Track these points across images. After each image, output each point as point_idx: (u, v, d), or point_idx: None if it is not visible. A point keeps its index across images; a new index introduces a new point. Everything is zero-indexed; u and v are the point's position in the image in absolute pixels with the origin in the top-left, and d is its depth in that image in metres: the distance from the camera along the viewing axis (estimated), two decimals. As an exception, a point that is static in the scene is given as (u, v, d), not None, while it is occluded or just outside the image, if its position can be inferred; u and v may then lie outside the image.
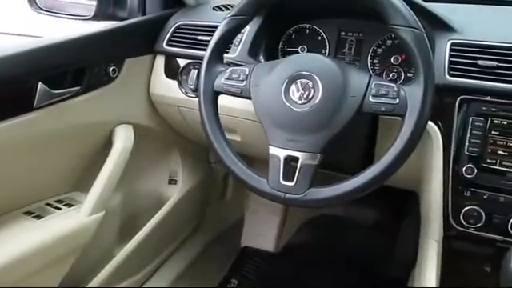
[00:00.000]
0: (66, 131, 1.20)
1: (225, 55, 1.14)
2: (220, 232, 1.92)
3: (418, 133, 0.86)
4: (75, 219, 1.21)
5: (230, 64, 1.08)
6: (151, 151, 1.55)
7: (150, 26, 1.37)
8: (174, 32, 1.35)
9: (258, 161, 1.21)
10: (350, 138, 1.10)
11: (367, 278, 1.85)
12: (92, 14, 1.32)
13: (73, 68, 1.16)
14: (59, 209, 1.23)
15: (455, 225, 1.03)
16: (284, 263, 1.93)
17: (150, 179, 1.57)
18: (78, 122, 1.22)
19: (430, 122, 1.02)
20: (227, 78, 1.00)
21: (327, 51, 1.23)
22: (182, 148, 1.62)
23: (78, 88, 1.18)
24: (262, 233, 1.99)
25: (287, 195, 0.92)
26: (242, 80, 0.99)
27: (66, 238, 1.17)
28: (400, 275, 1.63)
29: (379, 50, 1.17)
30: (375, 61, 1.18)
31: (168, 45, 1.34)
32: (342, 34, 1.22)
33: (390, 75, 1.16)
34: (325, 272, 1.87)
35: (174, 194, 1.60)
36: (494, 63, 0.98)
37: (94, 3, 1.32)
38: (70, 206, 1.26)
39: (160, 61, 1.37)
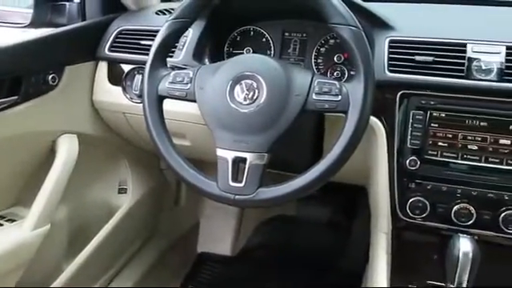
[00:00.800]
0: (4, 143, 1.14)
1: (169, 59, 1.13)
2: (175, 239, 1.89)
3: (361, 128, 0.88)
4: (17, 235, 1.16)
5: (174, 68, 1.07)
6: (98, 160, 1.50)
7: (90, 31, 1.33)
8: (116, 37, 1.32)
9: (210, 165, 1.21)
10: (297, 137, 1.11)
11: (324, 274, 1.88)
12: (29, 21, 1.28)
13: (8, 77, 1.11)
14: (0, 225, 1.18)
15: (402, 216, 1.06)
16: (241, 266, 1.93)
17: (99, 189, 1.53)
18: (18, 132, 1.17)
19: (373, 118, 1.05)
20: (171, 82, 0.99)
21: (272, 52, 1.24)
22: (131, 155, 1.58)
23: (16, 98, 1.13)
24: (218, 237, 1.98)
25: (237, 196, 0.92)
26: (187, 83, 0.98)
27: (8, 255, 1.12)
28: (355, 269, 1.66)
29: (322, 50, 1.19)
30: (319, 60, 1.20)
31: (110, 50, 1.31)
32: (286, 34, 1.23)
33: (334, 74, 1.18)
34: (282, 272, 1.88)
35: (125, 203, 1.56)
36: (431, 58, 1.01)
37: (31, 10, 1.27)
38: (12, 221, 1.20)
39: (103, 67, 1.33)
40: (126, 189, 1.59)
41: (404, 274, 1.14)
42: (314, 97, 0.90)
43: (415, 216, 1.05)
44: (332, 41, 1.18)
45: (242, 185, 0.91)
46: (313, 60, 1.20)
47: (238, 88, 0.93)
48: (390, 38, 1.06)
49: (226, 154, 0.92)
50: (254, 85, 0.92)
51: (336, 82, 0.90)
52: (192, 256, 1.97)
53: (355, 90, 0.88)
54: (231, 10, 1.20)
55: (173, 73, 1.00)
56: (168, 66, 1.06)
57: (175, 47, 1.17)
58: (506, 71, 0.97)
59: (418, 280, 1.13)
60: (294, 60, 1.22)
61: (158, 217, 1.81)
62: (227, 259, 1.96)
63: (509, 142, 0.98)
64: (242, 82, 0.93)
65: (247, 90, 0.92)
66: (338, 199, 2.01)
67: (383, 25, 1.08)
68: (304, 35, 1.22)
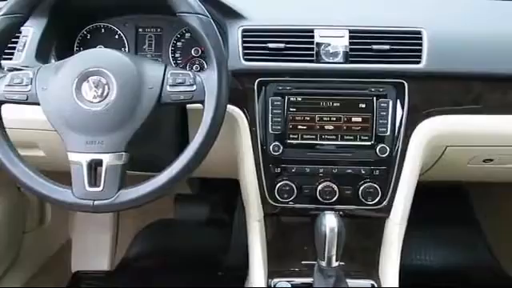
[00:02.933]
0: None
1: (8, 62, 1.02)
2: (45, 261, 1.73)
3: (220, 115, 0.87)
4: None
5: (12, 70, 0.96)
6: None
7: None
8: None
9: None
10: (160, 133, 1.08)
11: (210, 272, 1.86)
12: None
13: None
14: None
15: (272, 202, 1.08)
16: (121, 279, 1.83)
17: None
18: None
19: (235, 108, 1.05)
20: (8, 85, 0.89)
21: (127, 49, 1.18)
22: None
23: None
24: (94, 253, 1.86)
25: (96, 202, 0.85)
26: (27, 85, 0.88)
27: None
28: (240, 263, 1.67)
29: (179, 44, 1.17)
30: (177, 54, 1.17)
31: None
32: (140, 30, 1.18)
33: (194, 67, 1.16)
34: (166, 278, 1.82)
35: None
36: (282, 45, 1.04)
37: None
38: None
39: None
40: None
41: (281, 259, 1.16)
42: (169, 89, 0.87)
43: (284, 200, 1.07)
44: (188, 34, 1.16)
45: (100, 189, 0.85)
46: (170, 55, 1.17)
47: (85, 85, 0.87)
48: (242, 27, 1.06)
49: (80, 158, 0.85)
50: (103, 81, 0.86)
51: (190, 72, 0.88)
52: (66, 276, 1.82)
53: (209, 79, 0.87)
54: (74, 6, 1.12)
55: (9, 74, 0.90)
56: (6, 68, 0.95)
57: (11, 48, 1.05)
58: (351, 53, 1.04)
59: (293, 262, 1.16)
60: (151, 56, 1.18)
61: (22, 239, 1.64)
62: (105, 274, 1.84)
63: (360, 120, 1.05)
64: (89, 78, 0.87)
65: (96, 86, 0.86)
66: (215, 196, 2.00)
67: (235, 14, 1.08)
68: (159, 30, 1.18)
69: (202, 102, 0.87)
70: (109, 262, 1.87)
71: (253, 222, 1.13)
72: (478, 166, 1.18)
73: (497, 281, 1.88)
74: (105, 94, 0.86)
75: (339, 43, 1.04)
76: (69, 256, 1.86)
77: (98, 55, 0.91)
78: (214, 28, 0.89)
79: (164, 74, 0.88)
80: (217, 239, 1.99)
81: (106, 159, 0.85)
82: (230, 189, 1.81)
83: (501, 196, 1.95)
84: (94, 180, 0.86)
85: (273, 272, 1.14)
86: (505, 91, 1.06)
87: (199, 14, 0.88)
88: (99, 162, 0.85)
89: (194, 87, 0.87)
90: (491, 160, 1.16)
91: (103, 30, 1.18)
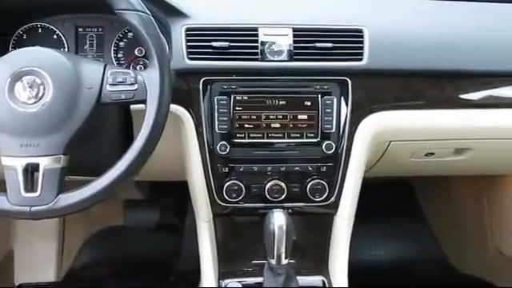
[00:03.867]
0: None
1: None
2: (-16, 275, 1.64)
3: (162, 116, 0.86)
4: None
5: None
6: None
7: None
8: None
9: None
10: (101, 134, 1.04)
11: (162, 278, 1.82)
12: None
13: None
14: None
15: (220, 202, 1.07)
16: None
17: None
18: None
19: (180, 108, 1.04)
20: None
21: (66, 49, 1.14)
22: None
23: None
24: (38, 264, 1.78)
25: (33, 208, 0.81)
26: None
27: None
28: (192, 267, 1.65)
29: (122, 44, 1.14)
30: (119, 55, 1.14)
31: None
32: (80, 30, 1.14)
33: (138, 68, 1.14)
34: (118, 286, 1.77)
35: None
36: (227, 44, 1.03)
37: None
38: None
39: None
40: None
41: (232, 259, 1.16)
42: (109, 88, 0.85)
43: (233, 200, 1.06)
44: (131, 34, 1.13)
45: (37, 194, 0.81)
46: (112, 55, 1.13)
47: (18, 86, 0.82)
48: (186, 25, 1.05)
49: (14, 162, 0.81)
50: (38, 81, 0.83)
51: (130, 71, 0.86)
52: (8, 291, 1.73)
53: (151, 77, 0.85)
54: (4, 5, 1.06)
55: None
56: None
57: None
58: (295, 51, 1.04)
59: (244, 262, 1.15)
60: (93, 56, 1.14)
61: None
62: (51, 286, 1.76)
63: (306, 117, 1.05)
64: (23, 78, 0.82)
65: (30, 87, 0.82)
66: (166, 200, 1.96)
67: (178, 13, 1.06)
68: (100, 30, 1.14)
69: (144, 102, 0.85)
70: (55, 273, 1.80)
71: (202, 223, 1.11)
72: (421, 160, 1.22)
73: (443, 272, 1.95)
74: (40, 94, 0.82)
75: (283, 42, 1.05)
76: (11, 268, 1.77)
77: (32, 54, 0.87)
78: (155, 26, 0.87)
79: (103, 74, 0.85)
80: (168, 244, 1.95)
81: (43, 163, 0.81)
82: (181, 192, 1.79)
83: (444, 189, 2.03)
84: (30, 185, 0.82)
85: (224, 273, 1.13)
86: (442, 87, 1.10)
87: (139, 11, 0.86)
88: (36, 166, 0.81)
89: (136, 86, 0.85)
90: (432, 154, 1.20)
91: (40, 30, 1.13)
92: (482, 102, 1.12)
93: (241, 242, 1.17)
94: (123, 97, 0.85)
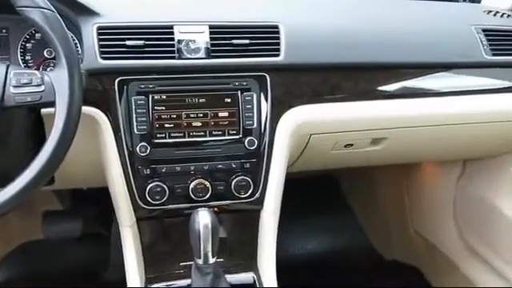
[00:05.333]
0: None
1: None
2: None
3: (73, 118, 0.82)
4: None
5: None
6: None
7: None
8: None
9: None
10: (8, 140, 0.97)
11: None
12: None
13: None
14: None
15: (144, 205, 1.04)
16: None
17: None
18: None
19: (95, 110, 1.00)
20: None
21: None
22: None
23: None
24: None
25: None
26: None
27: None
28: (122, 276, 1.59)
29: (29, 45, 1.07)
30: (27, 57, 1.07)
31: None
32: None
33: (48, 70, 1.07)
34: None
35: None
36: (141, 42, 1.01)
37: None
38: None
39: None
40: None
41: (159, 263, 1.13)
42: (12, 90, 0.79)
43: (156, 202, 1.04)
44: (38, 35, 1.07)
45: None
46: (19, 57, 1.06)
47: None
48: (97, 24, 1.01)
49: None
50: None
51: (36, 72, 0.82)
52: None
53: (59, 77, 0.81)
54: None
55: None
56: None
57: None
58: (212, 48, 1.04)
59: (172, 265, 1.13)
60: None
61: None
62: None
63: (226, 114, 1.05)
64: None
65: None
66: (90, 209, 1.88)
67: (88, 11, 1.02)
68: (4, 31, 1.07)
69: (53, 104, 0.80)
70: None
71: (125, 228, 1.07)
72: (341, 152, 1.26)
73: (370, 260, 2.03)
74: None
75: (200, 39, 1.04)
76: None
77: None
78: (61, 23, 0.83)
79: (6, 75, 0.80)
80: (95, 254, 1.87)
81: None
82: (106, 198, 1.72)
83: (367, 180, 2.11)
84: None
85: (150, 278, 1.10)
86: (358, 80, 1.14)
87: (42, 8, 0.81)
88: None
89: (43, 87, 0.80)
90: (351, 145, 1.24)
91: None
92: (395, 92, 1.17)
93: (168, 244, 1.14)
94: (29, 99, 0.80)
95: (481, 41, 1.21)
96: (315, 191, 2.14)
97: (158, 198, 1.03)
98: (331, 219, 2.15)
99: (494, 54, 1.21)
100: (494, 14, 1.32)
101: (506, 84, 1.24)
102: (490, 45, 1.21)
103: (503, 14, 1.33)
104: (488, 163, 1.56)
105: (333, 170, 2.21)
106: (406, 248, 1.98)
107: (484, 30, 1.23)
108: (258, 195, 1.09)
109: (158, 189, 1.03)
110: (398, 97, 1.17)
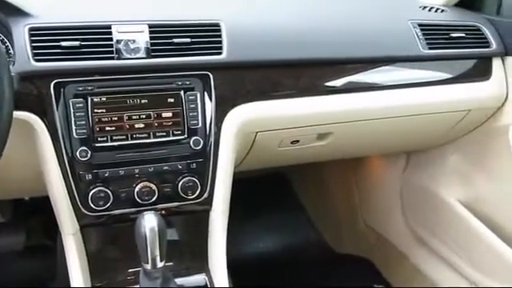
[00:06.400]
0: None
1: None
2: None
3: (4, 124, 0.78)
4: None
5: None
6: None
7: None
8: None
9: None
10: None
11: None
12: None
13: None
14: None
15: (87, 212, 1.00)
16: None
17: None
18: None
19: (30, 115, 0.95)
20: None
21: None
22: None
23: None
24: None
25: None
26: None
27: None
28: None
29: None
30: None
31: None
32: None
33: None
34: None
35: None
36: (77, 43, 0.97)
37: None
38: None
39: None
40: None
41: (106, 271, 1.09)
42: None
43: (100, 208, 1.00)
44: None
45: None
46: None
47: None
48: (29, 25, 0.96)
49: None
50: None
51: None
52: None
53: None
54: None
55: None
56: None
57: None
58: (152, 48, 1.02)
59: (120, 272, 1.09)
60: None
61: None
62: None
63: (170, 115, 1.03)
64: None
65: None
66: (33, 220, 1.80)
67: (19, 12, 0.97)
68: None
69: None
70: None
71: (68, 236, 1.03)
72: (288, 149, 1.27)
73: (323, 255, 2.06)
74: None
75: (140, 38, 1.01)
76: None
77: None
78: None
79: None
80: (41, 267, 1.79)
81: None
82: (50, 208, 1.66)
83: (317, 176, 2.14)
84: None
85: (96, 287, 1.06)
86: (301, 76, 1.15)
87: None
88: None
89: None
90: (298, 141, 1.25)
91: None
92: (338, 88, 1.19)
93: (115, 251, 1.11)
94: None
95: (417, 35, 1.25)
96: (266, 190, 2.15)
97: (101, 203, 0.99)
98: (283, 217, 2.16)
99: (430, 48, 1.25)
100: (429, 9, 1.37)
101: (442, 76, 1.29)
102: (426, 39, 1.26)
103: (437, 9, 1.38)
104: (430, 154, 1.62)
105: (284, 168, 2.23)
106: (357, 241, 2.03)
107: (420, 25, 1.27)
108: (206, 195, 1.07)
109: (102, 194, 0.99)
110: (341, 92, 1.19)
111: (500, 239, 1.39)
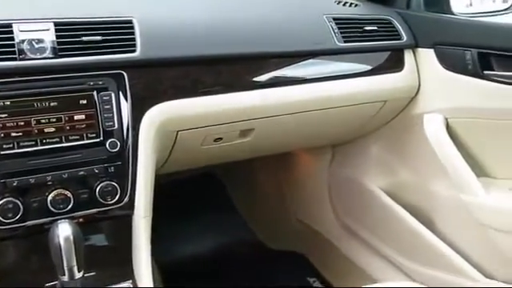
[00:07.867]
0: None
1: None
2: None
3: None
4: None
5: None
6: None
7: None
8: None
9: None
10: None
11: None
12: None
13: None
14: None
15: None
16: None
17: None
18: None
19: None
20: None
21: None
22: None
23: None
24: None
25: None
26: None
27: None
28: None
29: None
30: None
31: None
32: None
33: None
34: None
35: None
36: None
37: None
38: None
39: None
40: None
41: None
42: None
43: (9, 220, 0.93)
44: None
45: None
46: None
47: None
48: None
49: None
50: None
51: None
52: None
53: None
54: None
55: None
56: None
57: None
58: (60, 47, 0.96)
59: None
60: None
61: None
62: None
63: (83, 117, 0.98)
64: None
65: None
66: None
67: None
68: None
69: None
70: None
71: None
72: (212, 147, 1.25)
73: (258, 253, 2.06)
74: None
75: (45, 37, 0.96)
76: None
77: None
78: None
79: None
80: None
81: None
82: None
83: (248, 175, 2.14)
84: None
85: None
86: (219, 72, 1.14)
87: None
88: None
89: None
90: (221, 139, 1.24)
91: None
92: (257, 83, 1.19)
93: (30, 265, 1.03)
94: None
95: (332, 29, 1.28)
96: (198, 191, 2.12)
97: (10, 215, 0.92)
98: (216, 218, 2.14)
99: (346, 41, 1.28)
100: (344, 4, 1.41)
101: (359, 69, 1.32)
102: (341, 32, 1.29)
103: (351, 3, 1.42)
104: (353, 146, 1.67)
105: (214, 169, 2.21)
106: (291, 237, 2.04)
107: (335, 19, 1.30)
108: (126, 199, 1.02)
109: (10, 205, 0.92)
110: (260, 87, 1.19)
111: (420, 223, 1.45)
